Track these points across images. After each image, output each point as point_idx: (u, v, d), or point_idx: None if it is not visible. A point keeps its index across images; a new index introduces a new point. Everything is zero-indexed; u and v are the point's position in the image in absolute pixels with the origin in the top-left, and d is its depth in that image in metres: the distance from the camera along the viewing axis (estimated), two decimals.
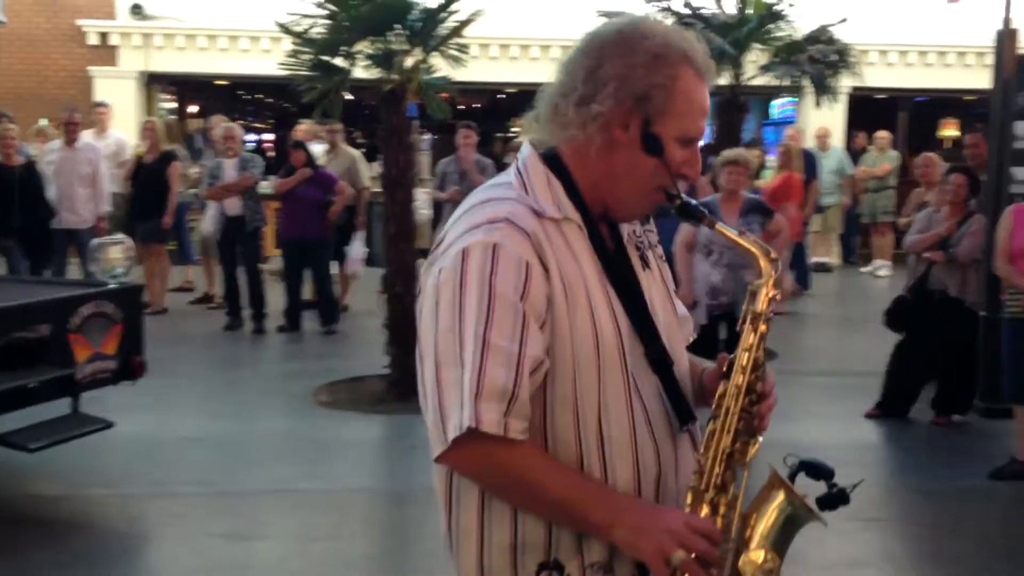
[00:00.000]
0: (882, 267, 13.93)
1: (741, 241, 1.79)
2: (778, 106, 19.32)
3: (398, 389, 7.25)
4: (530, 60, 15.06)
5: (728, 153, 6.87)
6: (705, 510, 1.67)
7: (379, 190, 8.34)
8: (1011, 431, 6.13)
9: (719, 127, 9.74)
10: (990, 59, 7.83)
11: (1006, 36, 7.38)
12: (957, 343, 6.76)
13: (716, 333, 6.68)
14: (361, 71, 7.46)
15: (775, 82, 9.96)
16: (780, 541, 1.67)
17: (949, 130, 18.14)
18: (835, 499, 1.70)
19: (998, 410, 6.63)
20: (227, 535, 5.01)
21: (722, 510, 1.67)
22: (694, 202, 1.78)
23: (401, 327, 7.22)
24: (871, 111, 16.30)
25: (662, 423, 1.73)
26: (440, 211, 9.98)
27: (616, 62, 1.66)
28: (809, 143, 14.33)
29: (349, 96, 9.68)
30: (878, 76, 14.19)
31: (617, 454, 1.67)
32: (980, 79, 13.69)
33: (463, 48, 7.48)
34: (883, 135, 14.56)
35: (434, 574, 4.61)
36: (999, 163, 7.41)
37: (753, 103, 14.41)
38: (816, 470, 1.71)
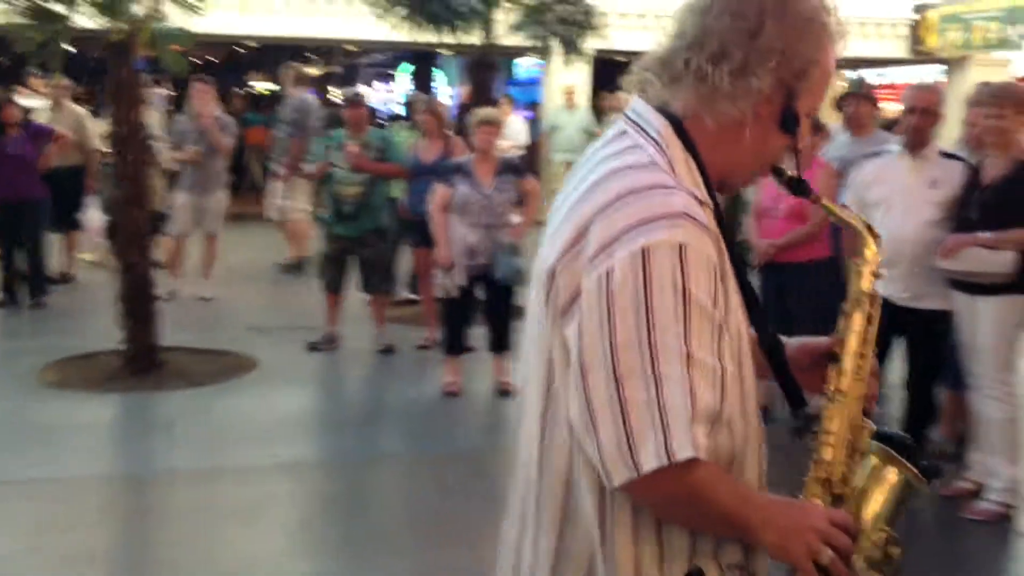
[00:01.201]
0: None
1: (845, 216, 1.73)
2: (523, 66, 19.56)
3: (135, 366, 6.82)
4: (269, 12, 14.44)
5: (482, 113, 6.77)
6: (827, 499, 1.61)
7: (109, 150, 7.71)
8: None
9: (471, 86, 9.65)
10: None
11: None
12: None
13: (474, 294, 6.61)
14: (85, 19, 6.85)
15: (526, 42, 9.96)
16: (894, 517, 1.64)
17: None
18: (931, 471, 1.69)
19: None
20: None
21: (848, 499, 1.62)
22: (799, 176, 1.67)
23: (137, 299, 6.76)
24: (614, 73, 16.68)
25: (755, 409, 1.62)
26: (178, 173, 9.35)
27: (777, 27, 1.52)
28: (557, 102, 14.61)
29: (71, 48, 8.87)
30: (620, 39, 14.55)
31: (750, 449, 1.58)
32: None
33: None
34: (624, 97, 14.91)
35: (178, 563, 4.30)
36: None
37: (501, 64, 14.47)
38: (891, 441, 1.67)
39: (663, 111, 1.58)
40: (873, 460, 1.65)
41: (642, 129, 1.58)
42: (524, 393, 1.67)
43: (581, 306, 1.47)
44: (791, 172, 1.67)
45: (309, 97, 10.39)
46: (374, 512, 5.03)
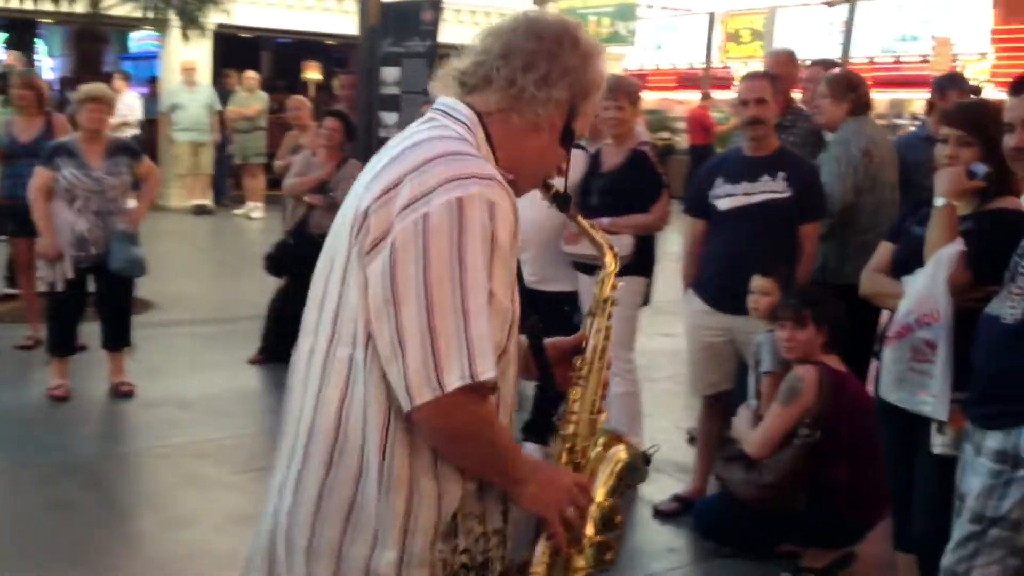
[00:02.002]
0: (255, 209, 13.93)
1: (592, 233, 2.00)
2: (137, 39, 18.40)
3: None
4: None
5: (89, 88, 6.15)
6: (569, 466, 1.90)
7: None
8: None
9: (77, 58, 8.85)
10: (351, 5, 7.98)
11: None
12: None
13: (84, 287, 6.03)
14: None
15: (137, 13, 9.28)
16: (617, 489, 1.94)
17: (312, 73, 18.65)
18: (647, 456, 2.05)
19: None
20: None
21: (584, 469, 1.91)
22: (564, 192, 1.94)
23: None
24: (237, 50, 16.15)
25: (514, 377, 1.87)
26: None
27: (572, 54, 1.82)
28: (175, 79, 13.84)
29: None
30: (244, 15, 14.04)
31: (503, 413, 1.82)
32: (343, 24, 14.17)
33: None
34: (251, 75, 14.49)
35: None
36: (368, 108, 7.63)
37: (111, 36, 13.45)
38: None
39: (469, 105, 1.82)
40: (604, 439, 1.95)
41: (450, 115, 1.82)
42: (304, 343, 1.84)
43: (394, 245, 1.64)
44: (557, 187, 1.93)
45: None
46: None
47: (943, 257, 3.02)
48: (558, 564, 1.84)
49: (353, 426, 1.72)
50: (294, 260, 6.94)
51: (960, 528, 2.83)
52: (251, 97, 14.17)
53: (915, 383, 3.09)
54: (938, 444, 3.06)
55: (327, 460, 1.74)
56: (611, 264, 1.99)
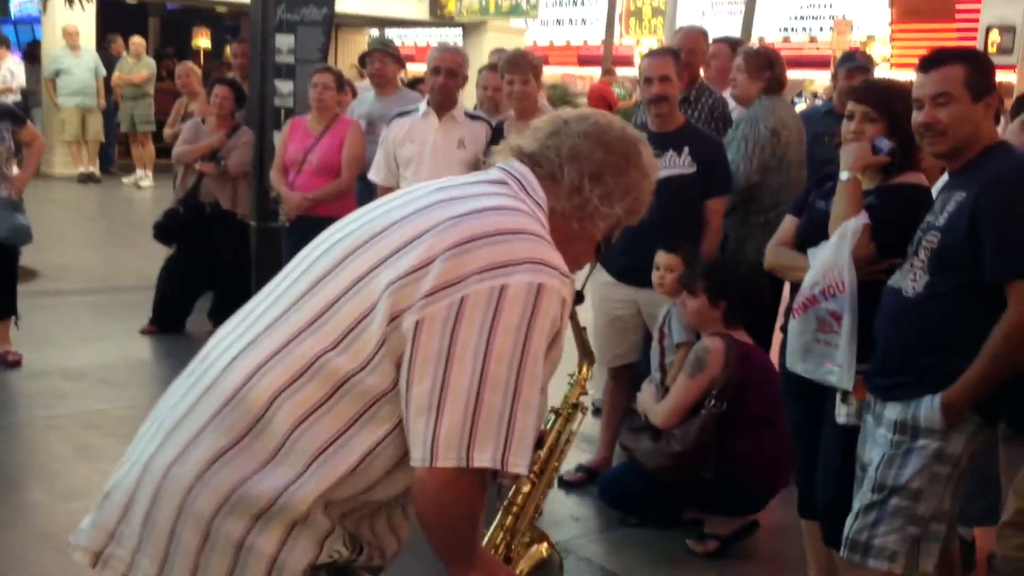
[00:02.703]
0: (144, 177, 13.54)
1: (583, 337, 2.06)
2: (17, 3, 17.65)
3: None
4: None
5: None
6: (503, 558, 1.93)
7: None
8: None
9: None
10: None
11: None
12: (229, 254, 6.66)
13: None
14: None
15: None
16: None
17: (202, 40, 18.16)
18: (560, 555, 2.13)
19: None
20: None
21: (514, 556, 1.96)
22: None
23: None
24: (122, 15, 15.64)
25: None
26: None
27: (636, 172, 1.82)
28: (58, 44, 13.31)
29: None
30: None
31: None
32: None
33: None
34: (138, 41, 14.10)
35: None
36: (262, 76, 7.44)
37: None
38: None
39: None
40: (531, 534, 1.99)
41: (527, 192, 1.78)
42: (258, 306, 1.78)
43: (463, 302, 1.58)
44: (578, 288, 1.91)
45: None
46: None
47: (848, 229, 3.07)
48: None
49: (284, 417, 1.65)
50: (184, 229, 6.84)
51: (861, 498, 2.89)
52: (138, 64, 13.76)
53: (820, 354, 3.14)
54: (842, 414, 3.12)
55: (237, 433, 1.67)
56: (585, 372, 2.04)
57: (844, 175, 3.14)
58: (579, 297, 1.92)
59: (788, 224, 3.51)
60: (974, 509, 3.63)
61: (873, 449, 2.90)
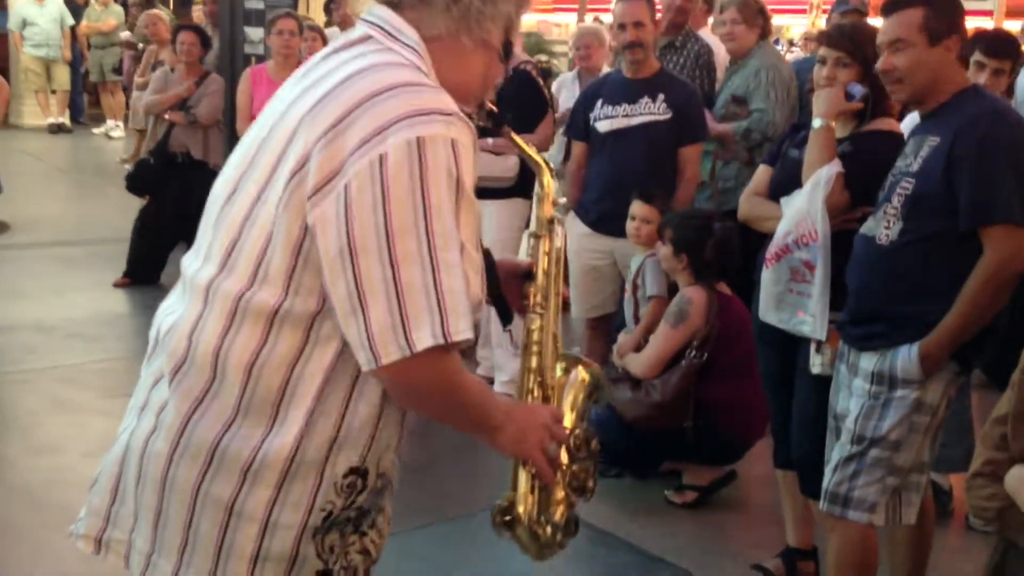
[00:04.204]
0: (115, 128, 13.34)
1: (528, 150, 1.91)
2: None
3: None
4: None
5: None
6: (539, 399, 1.83)
7: None
8: None
9: None
10: None
11: None
12: (201, 204, 6.58)
13: None
14: None
15: None
16: (585, 411, 1.90)
17: None
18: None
19: None
20: None
21: (552, 394, 1.84)
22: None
23: None
24: None
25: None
26: None
27: None
28: None
29: None
30: None
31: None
32: None
33: None
34: None
35: None
36: (231, 23, 7.33)
37: None
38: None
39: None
40: (563, 364, 1.88)
41: (395, 38, 1.64)
42: (190, 265, 1.69)
43: (348, 189, 1.47)
44: (490, 105, 1.83)
45: None
46: None
47: (821, 178, 3.04)
48: (544, 503, 1.79)
49: (234, 367, 1.58)
50: (156, 179, 6.77)
51: (840, 449, 2.87)
52: (106, 11, 13.48)
53: (793, 303, 3.13)
54: (816, 364, 3.11)
55: (196, 395, 1.61)
56: (547, 183, 1.88)
57: (817, 122, 3.11)
58: (499, 116, 1.86)
59: (762, 174, 3.48)
60: (950, 456, 3.67)
61: (849, 400, 2.88)
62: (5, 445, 4.37)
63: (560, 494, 1.80)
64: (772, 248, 3.18)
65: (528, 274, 1.87)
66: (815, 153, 3.10)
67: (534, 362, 1.83)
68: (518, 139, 1.90)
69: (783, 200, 3.19)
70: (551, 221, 1.87)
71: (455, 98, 1.61)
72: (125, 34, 12.00)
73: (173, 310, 1.71)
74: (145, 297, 6.48)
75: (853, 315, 2.90)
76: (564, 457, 1.78)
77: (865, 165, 3.04)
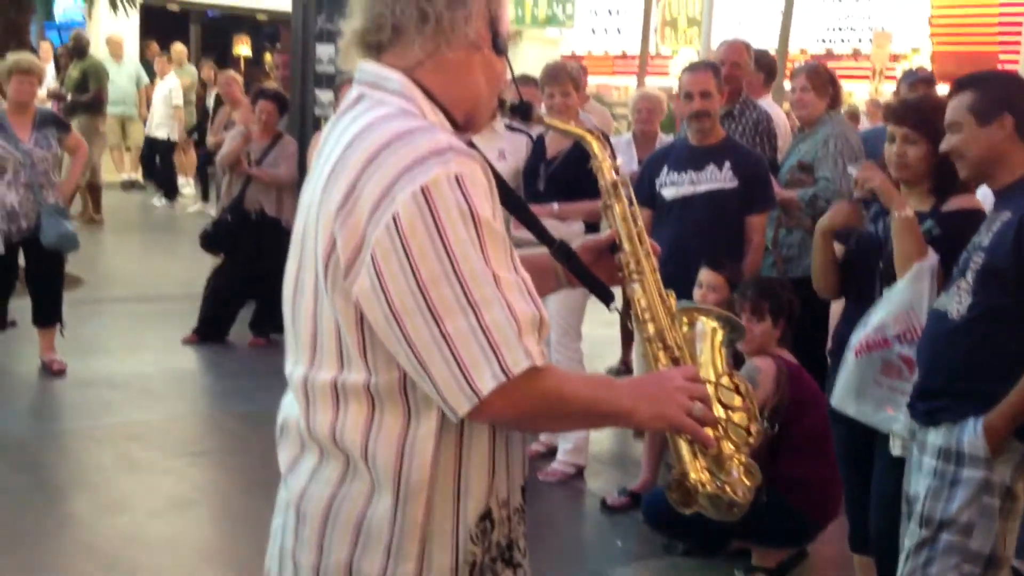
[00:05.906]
0: (187, 185, 13.66)
1: (570, 129, 1.93)
2: (61, 8, 17.89)
3: None
4: None
5: (17, 59, 5.97)
6: (670, 362, 1.77)
7: None
8: None
9: (0, 27, 8.52)
10: None
11: None
12: (273, 262, 6.69)
13: (15, 261, 5.87)
14: None
15: None
16: (722, 361, 1.82)
17: (242, 47, 18.32)
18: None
19: None
20: None
21: (681, 354, 1.78)
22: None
23: None
24: (164, 23, 15.82)
25: None
26: None
27: None
28: (101, 51, 13.46)
29: None
30: None
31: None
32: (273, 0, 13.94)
33: None
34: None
35: None
36: (303, 86, 7.52)
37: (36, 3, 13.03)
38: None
39: (393, 67, 1.64)
40: (683, 319, 1.82)
41: (380, 87, 1.64)
42: (288, 365, 1.71)
43: (374, 259, 1.49)
44: (511, 100, 1.80)
45: None
46: None
47: (924, 271, 2.99)
48: (714, 463, 1.72)
49: (351, 445, 1.60)
50: (230, 237, 6.88)
51: (911, 536, 2.78)
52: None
53: (880, 398, 3.05)
54: (897, 446, 3.03)
55: (334, 479, 1.63)
56: (598, 150, 1.85)
57: (903, 212, 3.04)
58: (524, 107, 1.82)
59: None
60: None
61: (919, 480, 2.79)
62: (75, 502, 4.46)
63: (728, 448, 1.73)
64: (863, 337, 3.09)
65: (613, 247, 1.85)
66: (907, 245, 3.03)
67: (651, 328, 1.78)
68: (555, 122, 1.98)
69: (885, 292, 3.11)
70: (615, 185, 1.84)
71: (468, 109, 1.69)
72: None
73: (294, 405, 1.73)
74: (212, 355, 6.59)
75: (920, 391, 2.84)
76: (720, 411, 1.72)
77: (955, 248, 2.91)
